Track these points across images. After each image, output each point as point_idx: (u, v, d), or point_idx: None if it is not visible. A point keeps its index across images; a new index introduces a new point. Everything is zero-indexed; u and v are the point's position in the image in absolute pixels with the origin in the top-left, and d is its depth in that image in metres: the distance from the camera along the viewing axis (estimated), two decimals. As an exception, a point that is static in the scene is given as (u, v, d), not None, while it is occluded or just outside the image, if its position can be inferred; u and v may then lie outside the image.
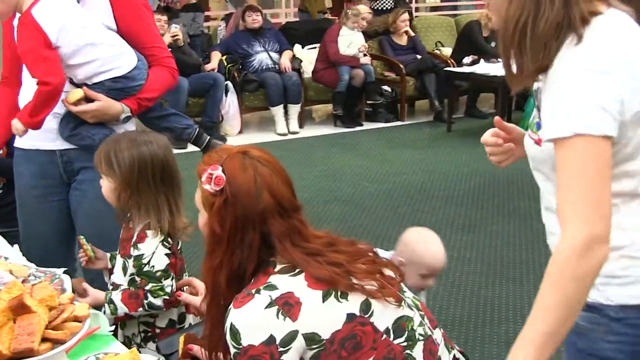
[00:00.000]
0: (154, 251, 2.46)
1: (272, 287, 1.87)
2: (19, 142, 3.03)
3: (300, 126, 8.94)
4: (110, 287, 2.60)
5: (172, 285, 2.48)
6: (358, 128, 9.07)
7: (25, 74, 2.99)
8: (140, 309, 2.47)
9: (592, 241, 1.66)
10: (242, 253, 1.94)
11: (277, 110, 8.71)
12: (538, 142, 1.91)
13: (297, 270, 1.91)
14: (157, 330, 2.55)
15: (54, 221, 2.95)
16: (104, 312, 2.43)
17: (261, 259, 1.96)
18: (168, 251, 2.49)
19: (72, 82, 2.89)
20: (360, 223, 5.67)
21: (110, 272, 2.69)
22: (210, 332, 2.04)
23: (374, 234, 5.40)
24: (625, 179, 1.81)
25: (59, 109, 2.85)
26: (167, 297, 2.47)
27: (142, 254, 2.47)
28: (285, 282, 1.88)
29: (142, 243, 2.47)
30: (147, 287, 2.45)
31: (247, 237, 1.93)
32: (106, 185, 2.55)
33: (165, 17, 8.28)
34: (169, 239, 2.50)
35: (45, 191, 2.99)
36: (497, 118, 2.21)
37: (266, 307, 1.84)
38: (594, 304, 1.83)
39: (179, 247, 2.56)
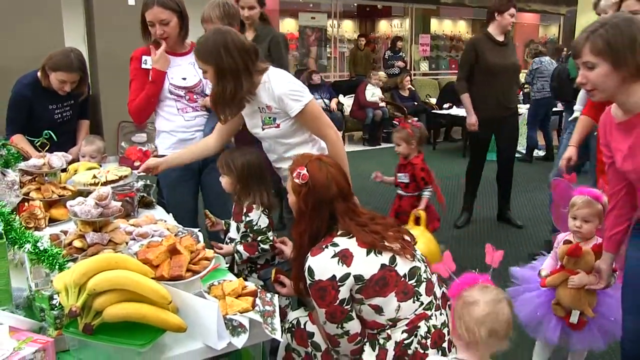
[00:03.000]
0: (259, 217, 2.43)
1: (335, 245, 1.86)
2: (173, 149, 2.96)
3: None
4: (228, 241, 2.57)
5: (273, 236, 2.46)
6: (377, 146, 9.00)
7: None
8: (256, 252, 2.44)
9: (337, 134, 2.46)
10: (318, 223, 1.94)
11: (328, 135, 8.68)
12: (277, 126, 2.41)
13: (351, 235, 1.89)
14: (258, 266, 2.51)
15: (192, 193, 2.90)
16: (235, 258, 2.45)
17: (329, 226, 1.94)
18: (267, 216, 2.46)
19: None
20: (376, 204, 5.54)
21: (225, 232, 2.65)
22: (296, 269, 2.03)
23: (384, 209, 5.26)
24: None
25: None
26: (271, 243, 2.45)
27: (252, 219, 2.44)
28: (344, 242, 1.86)
29: (251, 213, 2.44)
30: (259, 239, 2.43)
31: (321, 213, 1.94)
32: (225, 181, 2.52)
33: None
34: (267, 210, 2.47)
35: (188, 176, 2.92)
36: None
37: (331, 257, 1.83)
38: None
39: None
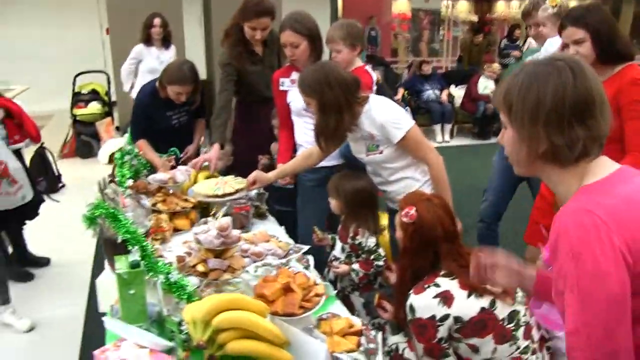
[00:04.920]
0: (367, 238, 2.58)
1: (437, 285, 1.93)
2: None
3: (451, 137, 8.79)
4: (333, 257, 2.72)
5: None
6: (487, 141, 8.81)
7: (296, 119, 3.10)
8: (372, 269, 2.58)
9: (437, 157, 2.50)
10: (422, 261, 2.02)
11: (437, 127, 8.63)
12: (381, 152, 2.50)
13: (453, 276, 1.95)
14: (360, 285, 2.63)
15: (324, 198, 2.83)
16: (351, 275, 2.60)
17: (432, 265, 2.02)
18: (374, 238, 2.59)
19: None
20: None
21: (331, 247, 2.80)
22: (397, 301, 2.13)
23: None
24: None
25: None
26: (385, 259, 2.58)
27: (361, 242, 2.58)
28: (445, 283, 1.93)
29: (358, 236, 2.58)
30: (372, 257, 2.57)
31: (426, 252, 2.02)
32: (334, 204, 2.68)
33: (371, 65, 8.32)
34: (374, 234, 2.60)
35: (319, 182, 2.96)
36: None
37: (433, 297, 1.91)
38: None
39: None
